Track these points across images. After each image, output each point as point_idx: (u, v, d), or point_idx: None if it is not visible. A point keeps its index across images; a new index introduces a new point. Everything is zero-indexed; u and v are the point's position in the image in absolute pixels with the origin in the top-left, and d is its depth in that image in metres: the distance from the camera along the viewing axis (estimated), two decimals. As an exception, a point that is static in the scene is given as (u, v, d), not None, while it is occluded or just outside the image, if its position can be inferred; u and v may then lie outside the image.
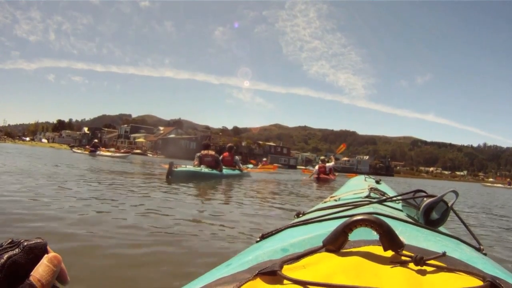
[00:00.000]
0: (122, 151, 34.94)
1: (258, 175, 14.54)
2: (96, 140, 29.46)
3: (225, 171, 10.70)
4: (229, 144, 12.99)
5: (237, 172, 11.79)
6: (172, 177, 8.26)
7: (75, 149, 28.52)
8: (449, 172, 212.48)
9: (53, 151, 27.44)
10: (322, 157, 17.00)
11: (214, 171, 9.91)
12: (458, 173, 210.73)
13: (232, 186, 8.40)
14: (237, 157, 12.39)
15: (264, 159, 32.42)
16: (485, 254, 0.94)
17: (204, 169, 9.65)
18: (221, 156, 11.42)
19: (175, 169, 8.43)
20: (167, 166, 8.51)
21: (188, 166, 9.64)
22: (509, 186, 37.99)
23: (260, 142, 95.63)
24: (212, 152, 10.54)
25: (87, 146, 26.62)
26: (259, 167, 19.44)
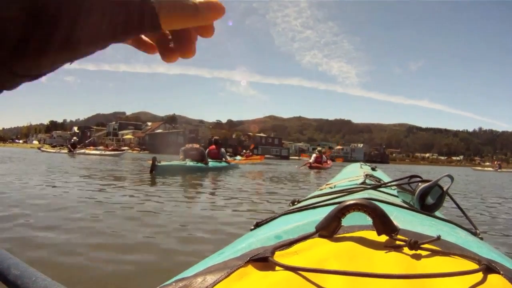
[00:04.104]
0: (110, 148, 33.72)
1: (246, 167, 14.60)
2: (75, 138, 28.16)
3: (212, 163, 10.72)
4: (215, 137, 13.11)
5: (224, 164, 11.86)
6: (156, 172, 8.23)
7: (43, 148, 27.59)
8: (445, 157, 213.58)
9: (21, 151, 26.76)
10: (319, 148, 19.09)
11: (200, 164, 9.90)
12: (454, 158, 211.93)
13: (220, 178, 8.44)
14: (223, 150, 12.48)
15: (244, 151, 31.65)
16: (481, 239, 0.94)
17: (189, 162, 9.63)
18: (207, 149, 11.44)
19: (159, 164, 8.40)
20: (150, 162, 8.49)
21: (173, 161, 9.65)
22: (499, 170, 38.19)
23: (250, 134, 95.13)
24: (196, 146, 10.58)
25: (68, 145, 25.01)
26: (243, 158, 19.45)
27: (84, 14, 0.26)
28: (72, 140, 26.00)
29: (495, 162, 48.94)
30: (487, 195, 8.18)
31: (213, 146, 12.08)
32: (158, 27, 0.29)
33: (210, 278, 0.51)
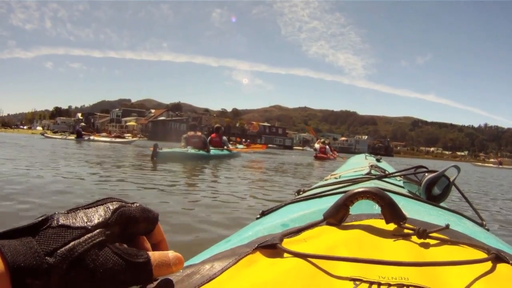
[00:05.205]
0: (113, 135, 32.75)
1: (248, 156, 14.55)
2: (83, 124, 26.77)
3: (213, 151, 10.68)
4: (216, 125, 13.03)
5: (225, 152, 11.81)
6: (157, 158, 8.27)
7: (46, 134, 26.75)
8: (450, 152, 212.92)
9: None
10: (323, 140, 19.56)
11: (201, 152, 9.85)
12: (459, 153, 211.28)
13: (222, 167, 8.44)
14: (225, 138, 12.39)
15: (244, 139, 32.04)
16: (487, 230, 0.94)
17: (190, 150, 9.60)
18: (209, 137, 11.42)
19: (160, 151, 8.44)
20: (152, 148, 8.53)
21: (175, 148, 9.66)
22: (500, 166, 38.29)
23: (254, 123, 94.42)
24: (199, 133, 10.48)
25: (77, 131, 23.30)
26: (244, 147, 19.39)
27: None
28: (79, 127, 25.34)
29: (498, 159, 49.39)
30: (488, 189, 8.17)
31: (215, 134, 11.99)
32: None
33: (218, 265, 0.50)
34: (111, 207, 0.42)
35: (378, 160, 2.77)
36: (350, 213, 0.62)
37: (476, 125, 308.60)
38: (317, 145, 18.22)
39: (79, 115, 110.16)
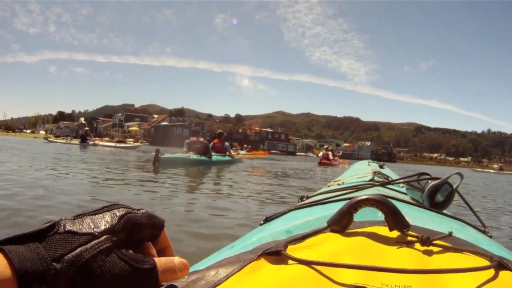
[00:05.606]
0: (116, 140, 31.64)
1: (250, 162, 14.48)
2: (87, 128, 25.89)
3: (215, 157, 10.67)
4: (219, 131, 13.04)
5: (227, 158, 11.79)
6: (159, 164, 8.27)
7: (50, 138, 26.16)
8: (453, 158, 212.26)
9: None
10: (326, 146, 20.23)
11: (203, 158, 9.85)
12: (462, 159, 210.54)
13: (223, 172, 8.41)
14: (227, 144, 12.39)
15: (245, 145, 32.46)
16: (490, 237, 0.94)
17: (192, 155, 9.59)
18: (211, 143, 11.43)
19: (162, 156, 8.44)
20: (154, 153, 8.54)
21: (177, 153, 9.66)
22: (501, 172, 38.17)
23: (256, 128, 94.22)
24: (201, 139, 10.48)
25: (83, 134, 22.59)
26: (246, 152, 19.38)
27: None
28: (83, 131, 24.05)
29: (499, 164, 49.76)
30: (490, 196, 8.12)
31: (217, 140, 11.99)
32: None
33: (223, 271, 0.51)
34: (117, 214, 0.43)
35: (381, 167, 2.76)
36: (353, 220, 0.63)
37: (479, 131, 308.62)
38: (321, 153, 18.52)
39: (82, 119, 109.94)
